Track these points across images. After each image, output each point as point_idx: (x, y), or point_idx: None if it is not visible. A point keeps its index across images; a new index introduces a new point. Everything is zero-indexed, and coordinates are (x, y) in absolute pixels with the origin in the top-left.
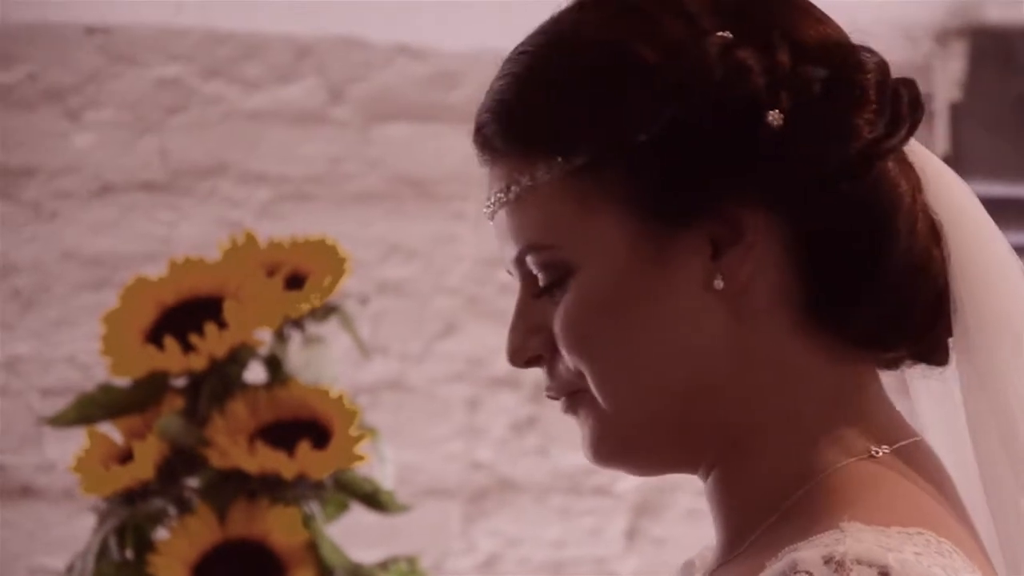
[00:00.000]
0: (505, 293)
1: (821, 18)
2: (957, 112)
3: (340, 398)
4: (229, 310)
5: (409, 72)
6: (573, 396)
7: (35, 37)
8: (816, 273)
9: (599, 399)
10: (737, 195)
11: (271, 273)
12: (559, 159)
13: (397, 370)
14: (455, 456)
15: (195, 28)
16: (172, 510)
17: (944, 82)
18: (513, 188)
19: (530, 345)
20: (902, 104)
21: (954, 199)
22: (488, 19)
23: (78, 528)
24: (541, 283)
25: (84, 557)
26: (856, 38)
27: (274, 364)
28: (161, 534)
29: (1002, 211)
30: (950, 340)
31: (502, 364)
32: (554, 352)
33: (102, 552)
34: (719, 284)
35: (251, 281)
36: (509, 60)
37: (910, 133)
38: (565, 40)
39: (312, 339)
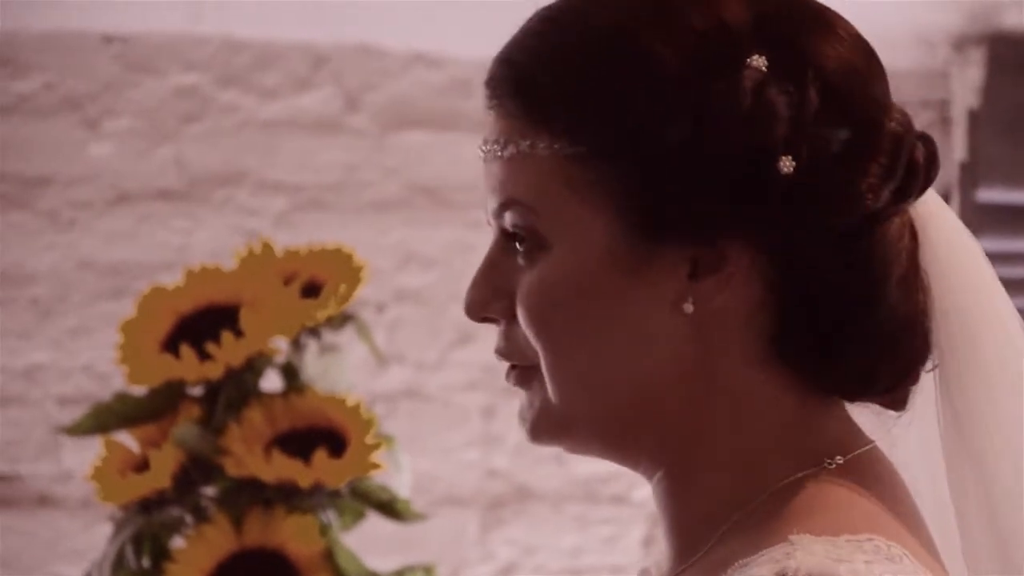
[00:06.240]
0: None
1: (851, 41)
2: (975, 119)
3: (356, 406)
4: (245, 318)
5: (425, 80)
6: (526, 370)
7: (52, 46)
8: (794, 320)
9: (547, 383)
10: (728, 228)
11: (287, 281)
12: (564, 140)
13: (413, 378)
14: (472, 464)
15: (212, 37)
16: (188, 519)
17: (962, 89)
18: (510, 147)
19: (491, 306)
20: (917, 170)
21: (952, 253)
22: (504, 27)
23: (95, 537)
24: (516, 243)
25: (101, 566)
26: (875, 45)
27: (290, 372)
28: (178, 543)
29: (1019, 218)
30: (913, 387)
31: None
32: (513, 319)
33: (119, 561)
34: (688, 308)
35: (267, 289)
36: (543, 19)
37: (921, 192)
38: (597, 24)
39: (328, 347)
